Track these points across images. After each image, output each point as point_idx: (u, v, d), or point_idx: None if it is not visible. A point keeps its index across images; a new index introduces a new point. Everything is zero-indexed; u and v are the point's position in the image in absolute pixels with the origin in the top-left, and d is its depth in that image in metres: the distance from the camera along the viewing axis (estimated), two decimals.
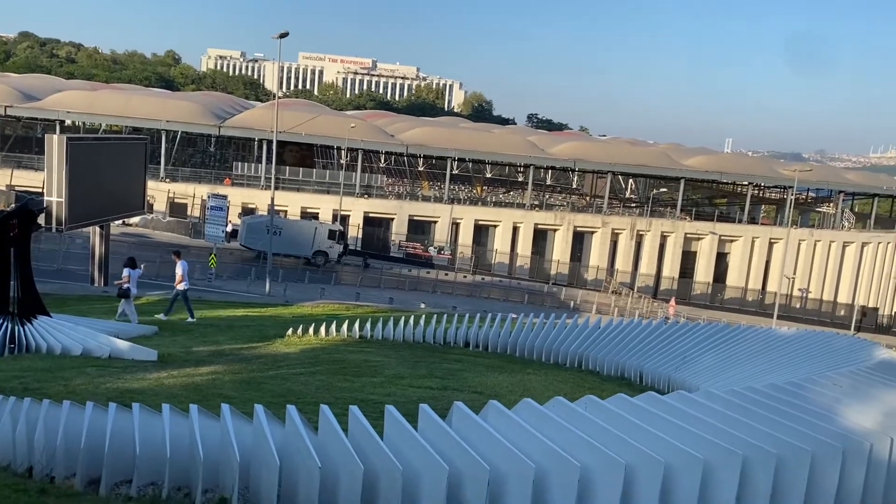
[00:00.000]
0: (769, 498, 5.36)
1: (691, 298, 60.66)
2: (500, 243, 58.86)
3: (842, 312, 62.08)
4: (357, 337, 15.65)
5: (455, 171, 73.60)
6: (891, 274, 68.79)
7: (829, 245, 65.69)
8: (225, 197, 38.67)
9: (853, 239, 67.09)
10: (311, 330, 15.62)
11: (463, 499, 5.05)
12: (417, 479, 5.02)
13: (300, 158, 65.85)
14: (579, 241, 62.05)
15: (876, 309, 64.95)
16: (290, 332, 15.78)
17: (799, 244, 64.42)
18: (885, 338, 56.82)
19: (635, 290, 56.75)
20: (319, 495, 4.97)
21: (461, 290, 48.13)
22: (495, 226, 59.41)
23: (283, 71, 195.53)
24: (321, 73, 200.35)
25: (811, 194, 78.78)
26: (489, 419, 5.72)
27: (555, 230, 60.88)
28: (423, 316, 17.24)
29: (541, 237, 60.90)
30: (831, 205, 73.43)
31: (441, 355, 14.10)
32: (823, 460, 5.46)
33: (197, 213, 52.17)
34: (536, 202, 66.56)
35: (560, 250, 60.41)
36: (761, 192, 77.79)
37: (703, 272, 63.01)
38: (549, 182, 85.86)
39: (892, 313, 66.41)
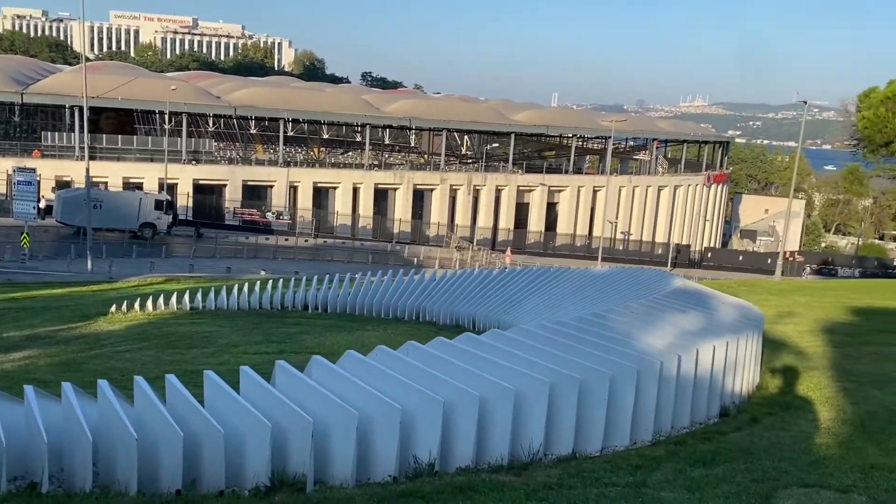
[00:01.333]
0: (575, 419, 5.85)
1: (526, 248, 63.53)
2: (340, 205, 58.31)
3: (659, 251, 67.56)
4: (188, 309, 15.09)
5: (290, 133, 71.70)
6: (699, 213, 75.64)
7: (646, 190, 71.01)
8: (33, 170, 35.35)
9: (666, 183, 72.92)
10: (136, 305, 14.86)
11: (290, 453, 5.12)
12: (242, 440, 5.03)
13: (119, 125, 61.15)
14: (419, 198, 62.81)
15: (688, 246, 71.32)
16: (113, 308, 14.91)
17: (619, 190, 69.07)
18: (696, 271, 62.67)
19: (475, 243, 58.50)
20: (145, 468, 4.85)
21: (303, 254, 47.39)
22: (335, 187, 58.71)
23: (92, 31, 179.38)
24: (136, 33, 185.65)
25: (630, 143, 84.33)
26: (313, 374, 5.80)
27: (395, 189, 61.17)
28: (258, 282, 16.89)
29: (381, 197, 60.97)
30: (646, 152, 79.12)
31: (278, 320, 13.97)
32: (621, 381, 6.03)
33: (3, 189, 47.28)
34: (375, 162, 66.43)
35: (401, 209, 60.86)
36: (585, 144, 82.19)
37: (536, 222, 66.06)
38: (387, 141, 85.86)
39: (702, 248, 73.23)
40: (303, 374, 5.66)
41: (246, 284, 15.89)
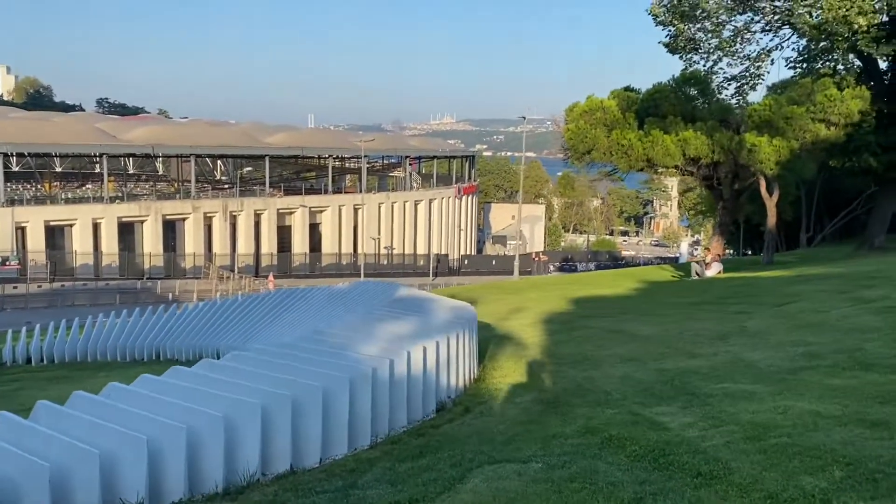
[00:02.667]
0: (290, 435, 6.04)
1: (292, 271, 62.86)
2: (80, 243, 53.36)
3: (421, 262, 70.41)
4: None
5: (14, 169, 64.32)
6: (454, 223, 79.97)
7: (404, 205, 73.68)
8: None
9: (421, 197, 76.25)
10: None
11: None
12: None
13: None
14: (171, 229, 59.49)
15: (447, 255, 75.11)
16: None
17: (379, 207, 70.94)
18: (456, 278, 66.26)
19: (236, 271, 56.65)
20: None
21: (38, 301, 42.84)
22: (71, 225, 53.61)
23: None
24: None
25: (385, 161, 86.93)
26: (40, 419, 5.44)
27: (142, 221, 57.34)
28: None
29: (127, 231, 56.80)
30: (401, 169, 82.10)
31: (27, 374, 12.57)
32: (334, 391, 6.34)
33: None
34: (118, 194, 61.74)
35: (151, 242, 57.20)
36: (343, 164, 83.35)
37: (300, 244, 65.62)
38: (131, 170, 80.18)
39: (459, 256, 77.48)
40: None
41: None
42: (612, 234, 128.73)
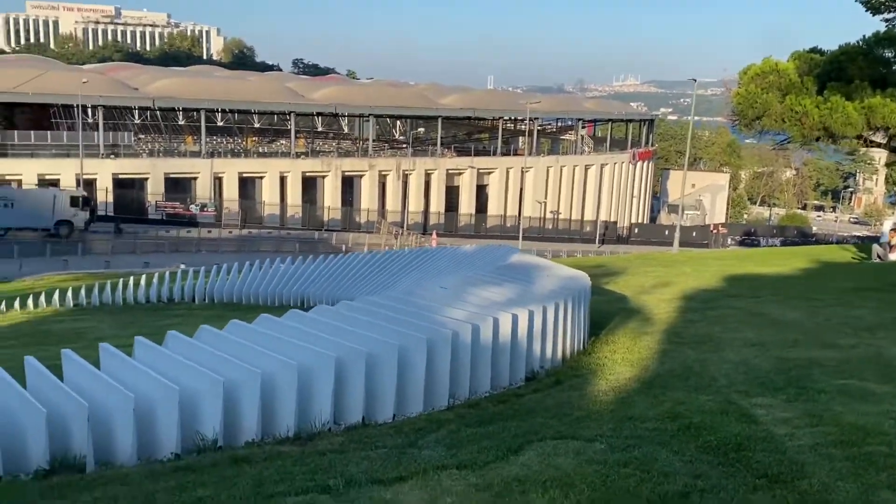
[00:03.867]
0: (364, 389, 6.26)
1: (457, 230, 64.16)
2: (268, 195, 57.85)
3: (587, 228, 69.07)
4: (72, 305, 15.04)
5: (219, 123, 70.50)
6: (627, 190, 77.40)
7: (574, 169, 72.32)
8: None
9: (593, 161, 74.41)
10: (16, 304, 14.73)
11: (115, 426, 5.41)
12: (67, 419, 5.28)
13: (35, 121, 59.22)
14: (349, 185, 62.72)
15: (615, 222, 73.02)
16: None
17: (548, 170, 70.19)
18: (623, 247, 64.37)
19: (405, 228, 58.82)
20: None
21: (229, 246, 47.01)
22: (261, 177, 58.17)
23: (8, 23, 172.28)
24: (55, 23, 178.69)
25: (559, 124, 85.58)
26: (138, 356, 6.10)
27: (323, 177, 60.94)
28: (144, 276, 16.88)
29: (310, 185, 60.67)
30: (573, 132, 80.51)
31: (162, 313, 14.05)
32: (411, 350, 6.47)
33: None
34: (304, 150, 65.98)
35: (330, 196, 60.71)
36: (515, 125, 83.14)
37: (467, 204, 66.72)
38: (319, 128, 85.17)
39: (629, 224, 75.04)
40: (126, 356, 5.97)
41: (131, 279, 15.91)
42: (804, 208, 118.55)
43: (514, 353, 7.42)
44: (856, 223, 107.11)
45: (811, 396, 6.48)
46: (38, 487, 5.07)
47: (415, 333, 6.54)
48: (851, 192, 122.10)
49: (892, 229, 21.81)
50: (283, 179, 58.56)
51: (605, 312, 12.71)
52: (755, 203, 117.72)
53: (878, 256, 20.66)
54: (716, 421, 5.90)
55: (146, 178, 53.24)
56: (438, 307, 7.26)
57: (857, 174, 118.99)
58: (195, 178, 55.08)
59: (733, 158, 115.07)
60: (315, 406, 6.04)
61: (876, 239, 66.05)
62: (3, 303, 14.96)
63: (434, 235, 51.64)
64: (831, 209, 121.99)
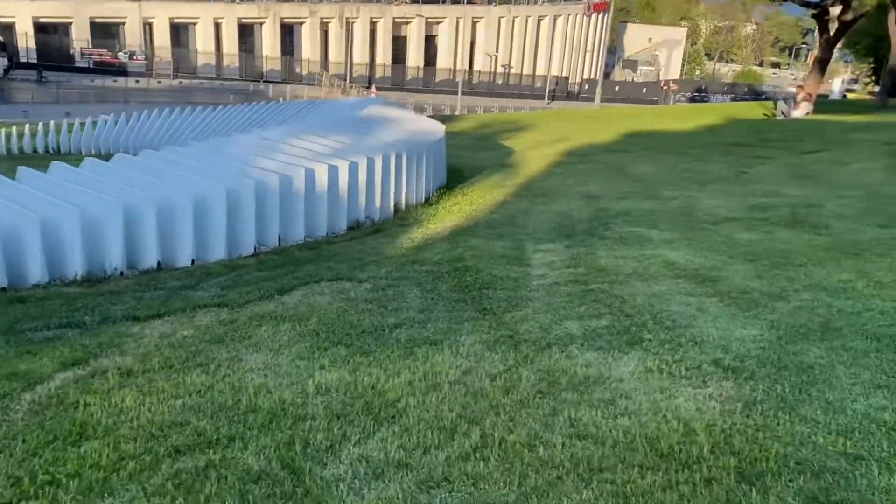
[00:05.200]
0: (157, 235, 6.46)
1: (405, 84, 62.69)
2: (202, 43, 55.32)
3: (539, 84, 68.05)
4: None
5: None
6: (580, 44, 75.69)
7: (526, 20, 70.09)
8: None
9: (546, 12, 72.04)
10: None
11: None
12: None
13: None
14: (289, 33, 60.09)
15: (567, 78, 71.96)
16: None
17: (499, 22, 67.93)
18: (573, 103, 63.90)
19: (348, 80, 57.27)
20: None
21: (161, 97, 45.38)
22: (194, 23, 55.34)
23: None
24: None
25: None
26: None
27: (261, 24, 58.20)
28: (28, 126, 16.51)
29: (247, 33, 58.01)
30: None
31: (37, 163, 13.88)
32: (209, 199, 6.63)
33: None
34: None
35: (269, 46, 58.31)
36: None
37: (415, 57, 64.78)
38: None
39: (580, 80, 74.06)
40: None
41: (13, 128, 15.59)
42: (761, 65, 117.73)
43: (333, 203, 7.64)
44: None
45: (591, 243, 6.90)
46: None
47: (214, 182, 6.68)
48: (809, 50, 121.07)
49: (798, 86, 22.07)
50: (217, 26, 55.84)
51: (480, 166, 12.99)
52: (713, 59, 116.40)
53: (782, 113, 21.07)
54: (488, 264, 6.29)
55: (70, 23, 50.30)
56: (250, 157, 7.38)
57: (814, 31, 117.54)
58: (123, 24, 52.21)
59: (692, 10, 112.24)
60: (106, 251, 6.25)
61: (826, 97, 66.74)
62: None
63: (373, 89, 50.47)
64: (786, 66, 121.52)
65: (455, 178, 11.38)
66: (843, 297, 4.88)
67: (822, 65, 22.41)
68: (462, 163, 12.96)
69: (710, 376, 3.77)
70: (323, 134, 8.34)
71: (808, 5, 22.49)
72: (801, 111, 20.60)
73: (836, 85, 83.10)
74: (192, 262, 6.70)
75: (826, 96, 67.82)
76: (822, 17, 21.41)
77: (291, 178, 7.16)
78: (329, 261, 6.80)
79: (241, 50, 56.60)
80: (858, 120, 18.11)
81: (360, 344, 4.35)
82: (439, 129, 10.12)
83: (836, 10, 20.52)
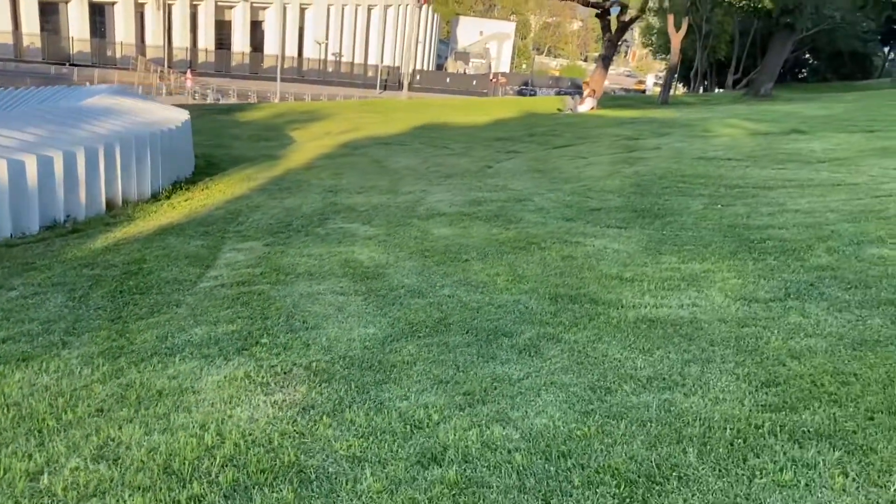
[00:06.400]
0: None
1: (231, 70, 60.28)
2: None
3: (370, 74, 67.85)
4: None
5: None
6: (411, 35, 76.23)
7: (356, 9, 69.58)
8: None
9: (376, 2, 71.90)
10: None
11: None
12: None
13: None
14: (99, 14, 55.91)
15: (398, 68, 72.27)
16: None
17: (328, 9, 66.95)
18: (405, 94, 64.20)
19: (167, 66, 54.20)
20: None
21: None
22: None
23: None
24: None
25: None
26: None
27: (66, 2, 53.68)
28: None
29: (50, 11, 53.29)
30: None
31: None
32: None
33: None
34: None
35: (77, 26, 53.92)
36: None
37: (240, 42, 62.45)
38: None
39: (410, 71, 74.62)
40: None
41: None
42: (586, 60, 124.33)
43: (18, 202, 6.99)
44: (628, 76, 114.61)
45: (292, 241, 6.79)
46: None
47: None
48: (628, 47, 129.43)
49: (584, 81, 23.28)
50: (15, 3, 50.83)
51: (243, 158, 12.57)
52: (542, 53, 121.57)
53: (570, 108, 22.17)
54: (166, 266, 6.01)
55: None
56: None
57: (634, 29, 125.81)
58: None
59: (524, 6, 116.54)
60: None
61: (642, 92, 70.87)
62: None
63: (189, 74, 48.15)
64: None
65: (207, 171, 10.93)
66: (479, 291, 5.04)
67: (605, 61, 23.86)
68: (226, 154, 12.52)
69: (290, 381, 3.73)
70: (17, 126, 7.61)
71: (589, 5, 23.83)
72: (586, 106, 21.79)
73: (650, 80, 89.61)
74: None
75: (643, 91, 72.57)
76: (604, 17, 22.77)
77: None
78: None
79: (43, 30, 51.91)
80: (632, 115, 19.39)
81: None
82: (179, 118, 9.62)
83: (615, 11, 21.88)
